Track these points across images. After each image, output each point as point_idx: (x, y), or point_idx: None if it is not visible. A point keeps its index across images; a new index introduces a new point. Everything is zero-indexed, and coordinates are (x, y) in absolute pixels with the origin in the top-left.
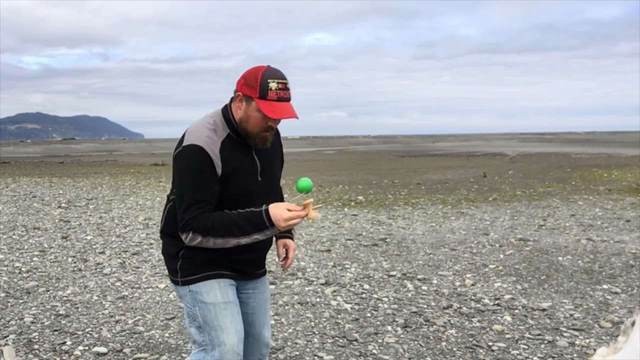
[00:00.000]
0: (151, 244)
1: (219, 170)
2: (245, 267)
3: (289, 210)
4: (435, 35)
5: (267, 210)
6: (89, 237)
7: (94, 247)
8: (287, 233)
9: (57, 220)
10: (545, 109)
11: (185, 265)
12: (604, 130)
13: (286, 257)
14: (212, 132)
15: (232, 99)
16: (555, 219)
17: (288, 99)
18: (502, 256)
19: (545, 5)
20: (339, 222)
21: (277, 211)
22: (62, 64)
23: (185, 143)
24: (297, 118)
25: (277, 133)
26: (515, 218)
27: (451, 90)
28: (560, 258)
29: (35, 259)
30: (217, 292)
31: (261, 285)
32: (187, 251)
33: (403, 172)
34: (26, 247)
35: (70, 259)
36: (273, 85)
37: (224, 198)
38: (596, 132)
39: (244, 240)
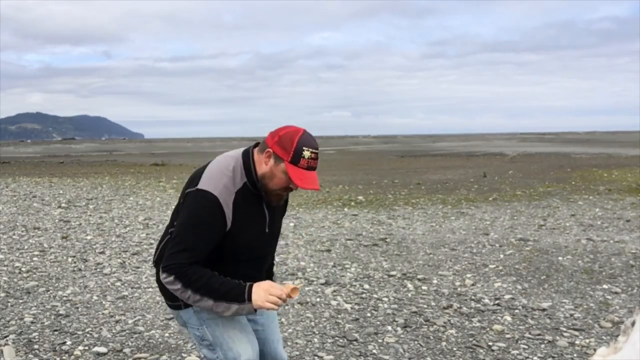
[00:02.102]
0: (151, 243)
1: (229, 223)
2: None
3: (271, 294)
4: (447, 34)
5: (250, 287)
6: (89, 237)
7: (94, 247)
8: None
9: (57, 220)
10: (553, 108)
11: None
12: (608, 130)
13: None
14: (230, 180)
15: (255, 145)
16: (555, 219)
17: (315, 168)
18: (502, 256)
19: (560, 4)
20: (339, 222)
21: (259, 291)
22: (63, 63)
23: (201, 186)
24: (319, 190)
25: None
26: (515, 218)
27: (460, 90)
28: (560, 258)
29: (35, 259)
30: None
31: None
32: None
33: (403, 172)
34: (26, 247)
35: (70, 259)
36: (307, 153)
37: (230, 246)
38: (596, 132)
39: (219, 308)
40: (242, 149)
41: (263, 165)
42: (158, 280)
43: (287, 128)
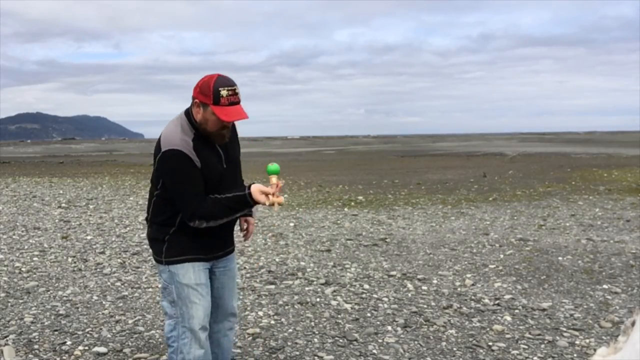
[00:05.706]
0: None
1: (198, 165)
2: (218, 246)
3: (262, 192)
4: (475, 31)
5: (249, 194)
6: (89, 237)
7: (94, 247)
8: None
9: (57, 220)
10: (576, 107)
11: (170, 248)
12: (608, 130)
13: (247, 229)
14: (183, 134)
15: (192, 104)
16: (555, 219)
17: (238, 102)
18: (502, 256)
19: (564, 4)
20: (339, 222)
21: (254, 192)
22: (64, 62)
23: (165, 148)
24: (247, 118)
25: (233, 125)
26: (515, 218)
27: (483, 89)
28: (560, 258)
29: (35, 259)
30: (192, 275)
31: (230, 264)
32: (173, 236)
33: (403, 172)
34: (26, 247)
35: (70, 259)
36: (224, 92)
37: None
38: (596, 132)
39: (232, 217)
40: (184, 110)
41: (197, 115)
42: (149, 236)
43: (204, 77)
